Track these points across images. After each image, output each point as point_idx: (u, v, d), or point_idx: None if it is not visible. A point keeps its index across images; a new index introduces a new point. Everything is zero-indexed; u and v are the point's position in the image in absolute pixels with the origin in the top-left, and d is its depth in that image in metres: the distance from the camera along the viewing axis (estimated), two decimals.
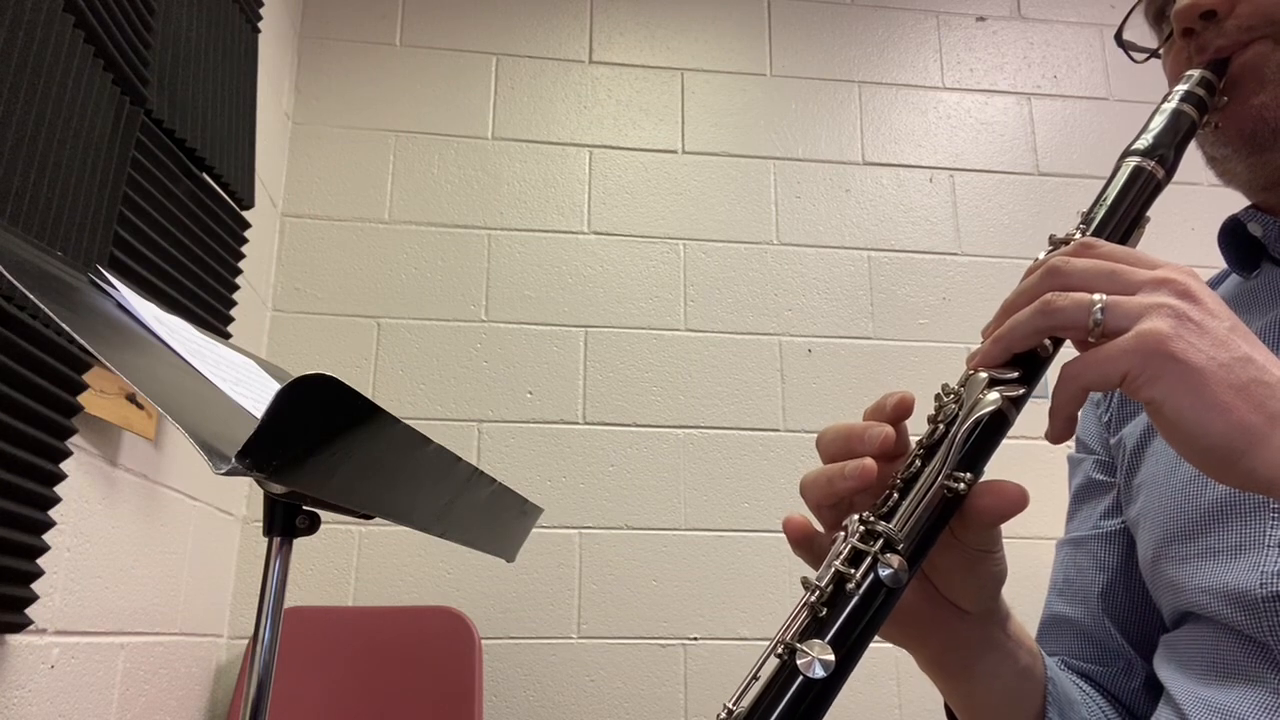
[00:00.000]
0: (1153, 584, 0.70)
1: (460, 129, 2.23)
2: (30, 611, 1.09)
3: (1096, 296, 0.46)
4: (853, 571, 0.46)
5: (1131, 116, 2.38)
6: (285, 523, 0.84)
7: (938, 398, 0.51)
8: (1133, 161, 0.58)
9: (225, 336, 1.54)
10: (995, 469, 0.47)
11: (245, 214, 1.66)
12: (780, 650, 0.44)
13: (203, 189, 1.50)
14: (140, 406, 1.40)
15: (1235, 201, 0.73)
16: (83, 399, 1.15)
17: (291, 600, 1.58)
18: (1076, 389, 0.46)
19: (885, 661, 1.99)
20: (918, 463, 0.49)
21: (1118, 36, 0.75)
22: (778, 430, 2.13)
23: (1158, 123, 0.60)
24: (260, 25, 1.76)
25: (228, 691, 1.78)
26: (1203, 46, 0.65)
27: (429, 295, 2.11)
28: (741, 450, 2.11)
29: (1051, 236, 0.55)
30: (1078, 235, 0.55)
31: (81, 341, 0.67)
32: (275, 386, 0.96)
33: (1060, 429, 0.47)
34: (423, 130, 2.22)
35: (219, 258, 1.56)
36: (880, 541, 0.46)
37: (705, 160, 2.29)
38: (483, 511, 0.97)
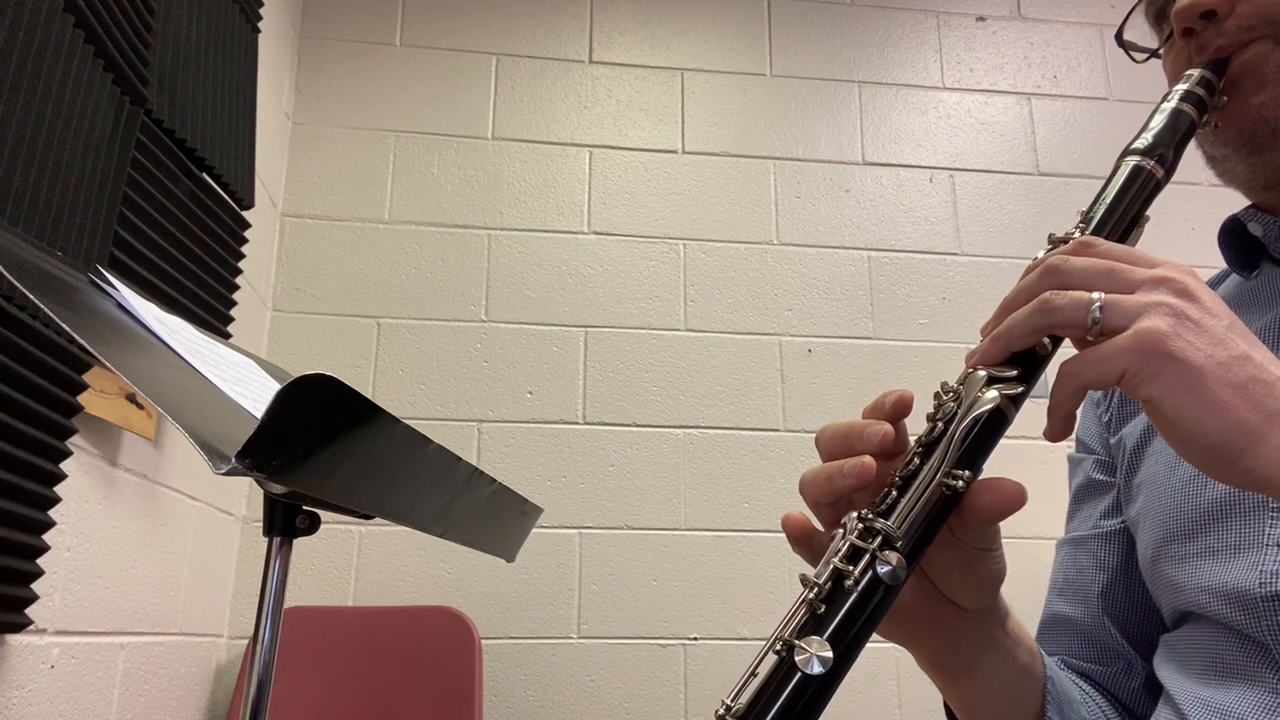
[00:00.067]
0: (1152, 583, 0.70)
1: (460, 129, 2.23)
2: (30, 611, 1.10)
3: (1095, 295, 0.46)
4: (851, 569, 0.46)
5: (1131, 116, 2.39)
6: (285, 523, 0.84)
7: (937, 396, 0.51)
8: (1132, 160, 0.58)
9: (225, 336, 1.54)
10: (994, 468, 0.47)
11: (245, 214, 1.66)
12: (778, 647, 0.45)
13: (203, 189, 1.50)
14: (140, 406, 1.40)
15: (1235, 201, 0.73)
16: (83, 399, 1.15)
17: (291, 600, 1.58)
18: (1075, 387, 0.46)
19: (885, 661, 1.99)
20: (916, 460, 0.49)
21: (1118, 36, 0.75)
22: (778, 430, 2.13)
23: (1157, 122, 0.60)
24: (260, 25, 1.76)
25: (228, 691, 1.78)
26: (1203, 46, 0.65)
27: (429, 295, 2.11)
28: (741, 450, 2.11)
29: (1051, 235, 0.55)
30: (1077, 234, 0.55)
31: (81, 341, 0.67)
32: (275, 386, 0.96)
33: (1059, 427, 0.47)
34: (423, 130, 2.22)
35: (219, 258, 1.56)
36: (879, 539, 0.46)
37: (705, 160, 2.29)
38: (483, 511, 0.97)
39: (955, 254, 2.31)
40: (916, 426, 0.51)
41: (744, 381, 2.15)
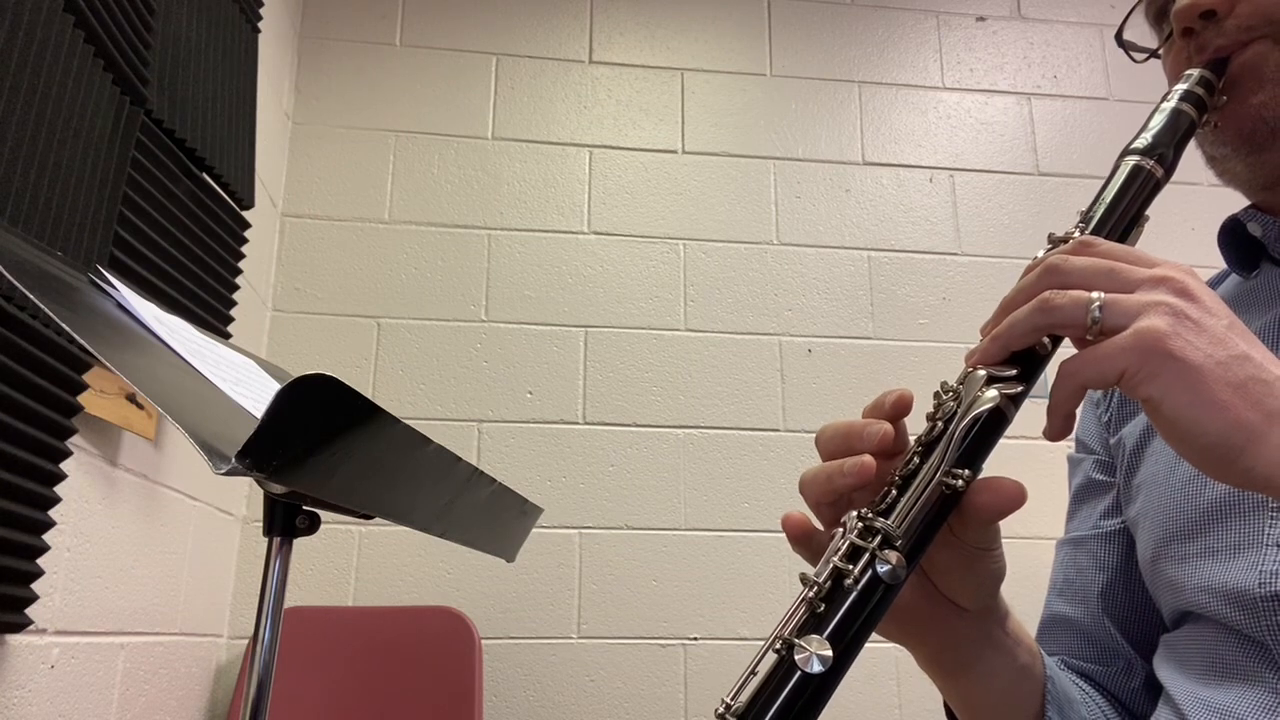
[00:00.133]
0: (1152, 584, 0.70)
1: (460, 129, 2.23)
2: (30, 611, 1.10)
3: (1095, 294, 0.46)
4: (851, 568, 0.46)
5: (1131, 116, 2.38)
6: (285, 523, 0.84)
7: (936, 395, 0.51)
8: (1132, 160, 0.58)
9: (225, 336, 1.54)
10: (994, 468, 0.47)
11: (245, 214, 1.66)
12: (778, 646, 0.45)
13: (203, 189, 1.50)
14: (140, 406, 1.40)
15: (1235, 201, 0.73)
16: (83, 399, 1.15)
17: (291, 600, 1.58)
18: (1075, 387, 0.46)
19: (885, 661, 1.99)
20: (916, 460, 0.49)
21: (1118, 36, 0.75)
22: (778, 430, 2.13)
23: (1157, 122, 0.60)
24: (260, 25, 1.76)
25: (228, 691, 1.78)
26: (1202, 46, 0.65)
27: (429, 295, 2.11)
28: (741, 450, 2.11)
29: (1051, 235, 0.55)
30: (1077, 233, 0.55)
31: (81, 341, 0.67)
32: (275, 386, 0.96)
33: (1059, 427, 0.47)
34: (423, 130, 2.22)
35: (219, 258, 1.56)
36: (878, 538, 0.46)
37: (705, 160, 2.29)
38: (483, 511, 0.97)
39: (955, 254, 2.31)
40: (916, 426, 0.51)
41: (744, 381, 2.15)
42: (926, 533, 0.47)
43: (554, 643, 1.95)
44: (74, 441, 1.15)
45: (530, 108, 2.27)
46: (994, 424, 0.48)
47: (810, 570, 0.48)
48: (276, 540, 0.85)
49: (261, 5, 1.77)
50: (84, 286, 0.81)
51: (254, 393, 0.88)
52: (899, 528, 0.47)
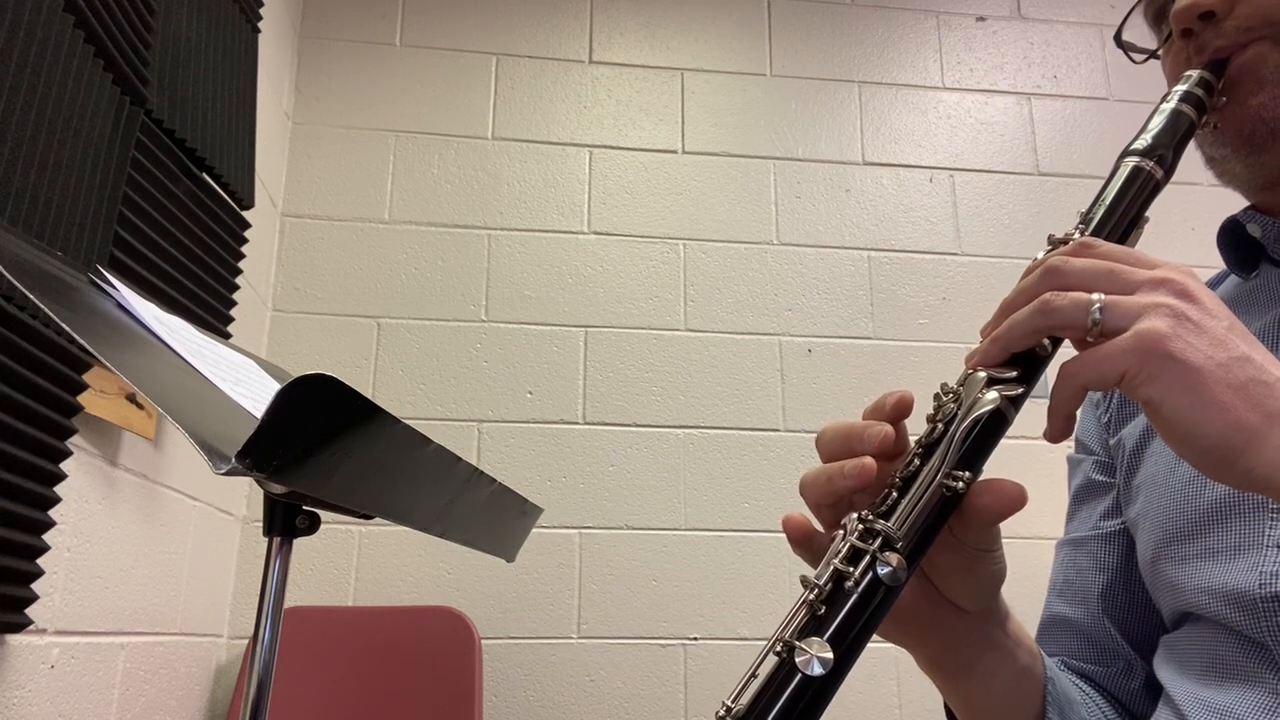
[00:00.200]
0: (1152, 584, 0.70)
1: (460, 129, 2.23)
2: (30, 611, 1.10)
3: (1095, 296, 0.46)
4: (851, 570, 0.46)
5: (1131, 116, 2.38)
6: (285, 523, 0.84)
7: (936, 397, 0.51)
8: (1131, 161, 0.58)
9: (225, 336, 1.54)
10: (994, 468, 0.47)
11: (245, 214, 1.66)
12: (779, 648, 0.45)
13: (203, 189, 1.50)
14: (140, 406, 1.40)
15: (1235, 201, 0.73)
16: (83, 399, 1.15)
17: (291, 600, 1.58)
18: (1075, 388, 0.46)
19: (885, 661, 1.99)
20: (917, 461, 0.49)
21: (1117, 37, 0.75)
22: (778, 430, 2.13)
23: (1156, 123, 0.60)
24: (260, 25, 1.76)
25: (228, 691, 1.78)
26: (1201, 47, 0.65)
27: (429, 295, 2.11)
28: (741, 450, 2.11)
29: (1050, 236, 0.55)
30: (1077, 235, 0.55)
31: (81, 341, 0.67)
32: (275, 386, 0.96)
33: (1059, 428, 0.47)
34: (423, 130, 2.22)
35: (219, 258, 1.56)
36: (879, 540, 0.46)
37: (705, 160, 2.29)
38: (483, 511, 0.97)
39: (955, 254, 2.31)
40: (916, 427, 0.51)
41: (744, 381, 2.15)
42: (927, 535, 0.47)
43: (554, 643, 1.95)
44: (74, 441, 1.15)
45: (530, 108, 2.27)
46: (994, 426, 0.48)
47: (811, 572, 0.48)
48: (276, 540, 0.85)
49: (261, 5, 1.77)
50: (84, 286, 0.81)
51: (254, 393, 0.88)
52: (900, 530, 0.47)
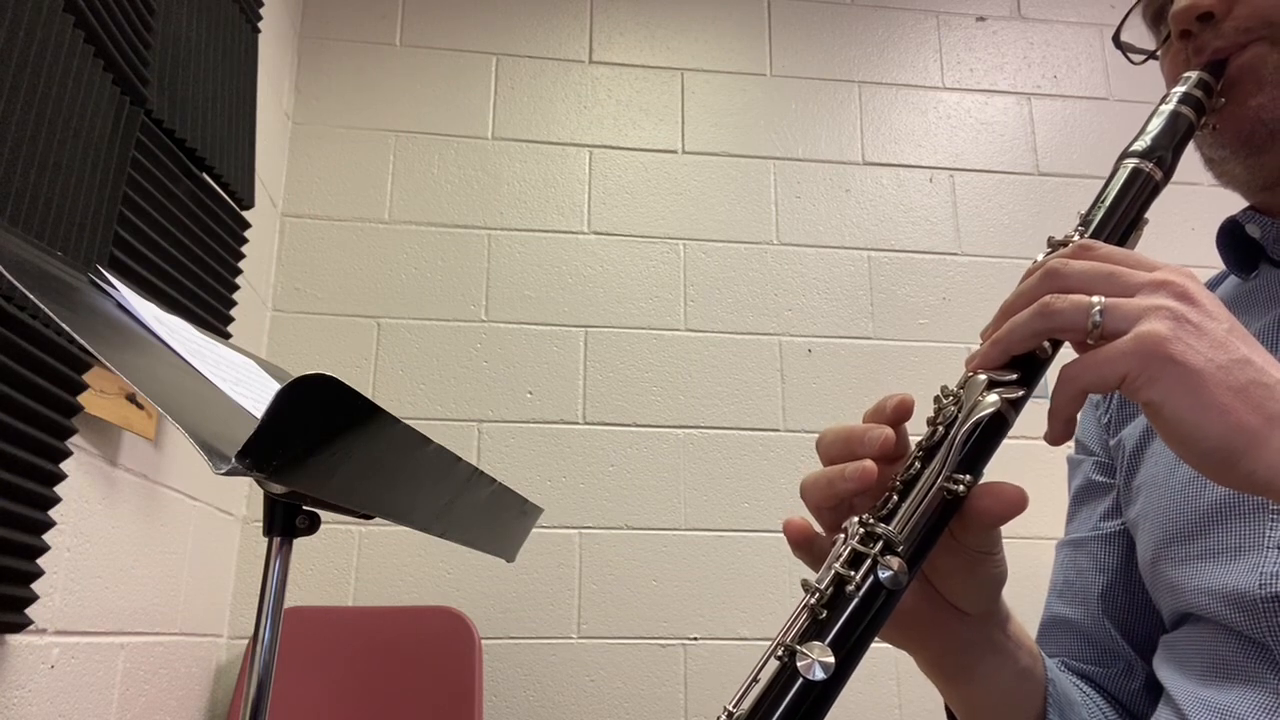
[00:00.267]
0: (1152, 585, 0.70)
1: (460, 129, 2.23)
2: (30, 611, 1.10)
3: (1095, 299, 0.46)
4: (852, 574, 0.46)
5: (1131, 116, 2.38)
6: (285, 523, 0.84)
7: (937, 400, 0.51)
8: (1131, 163, 0.58)
9: (225, 336, 1.54)
10: (995, 469, 0.47)
11: (245, 214, 1.66)
12: (780, 653, 0.44)
13: (203, 189, 1.50)
14: (140, 406, 1.40)
15: (1235, 202, 0.73)
16: (83, 399, 1.15)
17: (291, 600, 1.58)
18: (1076, 391, 0.46)
19: (885, 662, 1.99)
20: (917, 465, 0.49)
21: (1116, 38, 0.75)
22: (778, 430, 2.13)
23: (1155, 124, 0.60)
24: (260, 25, 1.76)
25: (228, 691, 1.78)
26: (1200, 48, 0.65)
27: (429, 295, 2.11)
28: (741, 450, 2.11)
29: (1050, 239, 0.55)
30: (1076, 237, 0.55)
31: (81, 341, 0.67)
32: (275, 386, 0.96)
33: (1059, 431, 0.48)
34: (423, 130, 2.22)
35: (219, 258, 1.56)
36: (880, 544, 0.46)
37: (705, 160, 2.29)
38: (483, 511, 0.97)
39: (955, 254, 2.31)
40: (917, 429, 0.51)
41: (744, 381, 2.15)
42: (928, 538, 0.47)
43: (554, 643, 1.95)
44: (74, 441, 1.15)
45: (530, 108, 2.27)
46: (995, 429, 0.48)
47: (812, 576, 0.48)
48: (276, 540, 0.85)
49: (261, 5, 1.77)
50: (84, 286, 0.81)
51: (254, 393, 0.88)
52: (901, 533, 0.47)
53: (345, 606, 1.91)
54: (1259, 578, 0.58)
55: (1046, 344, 0.48)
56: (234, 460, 0.59)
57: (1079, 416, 0.50)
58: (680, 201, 2.25)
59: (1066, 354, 0.48)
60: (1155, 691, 0.69)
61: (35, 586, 1.10)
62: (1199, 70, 0.63)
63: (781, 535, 0.54)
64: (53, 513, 1.12)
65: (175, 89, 1.40)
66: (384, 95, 2.22)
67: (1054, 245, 0.54)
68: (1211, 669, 0.62)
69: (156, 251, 1.34)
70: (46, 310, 0.66)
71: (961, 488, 0.47)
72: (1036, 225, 2.35)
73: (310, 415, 0.64)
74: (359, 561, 1.94)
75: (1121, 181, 0.57)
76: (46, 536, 1.11)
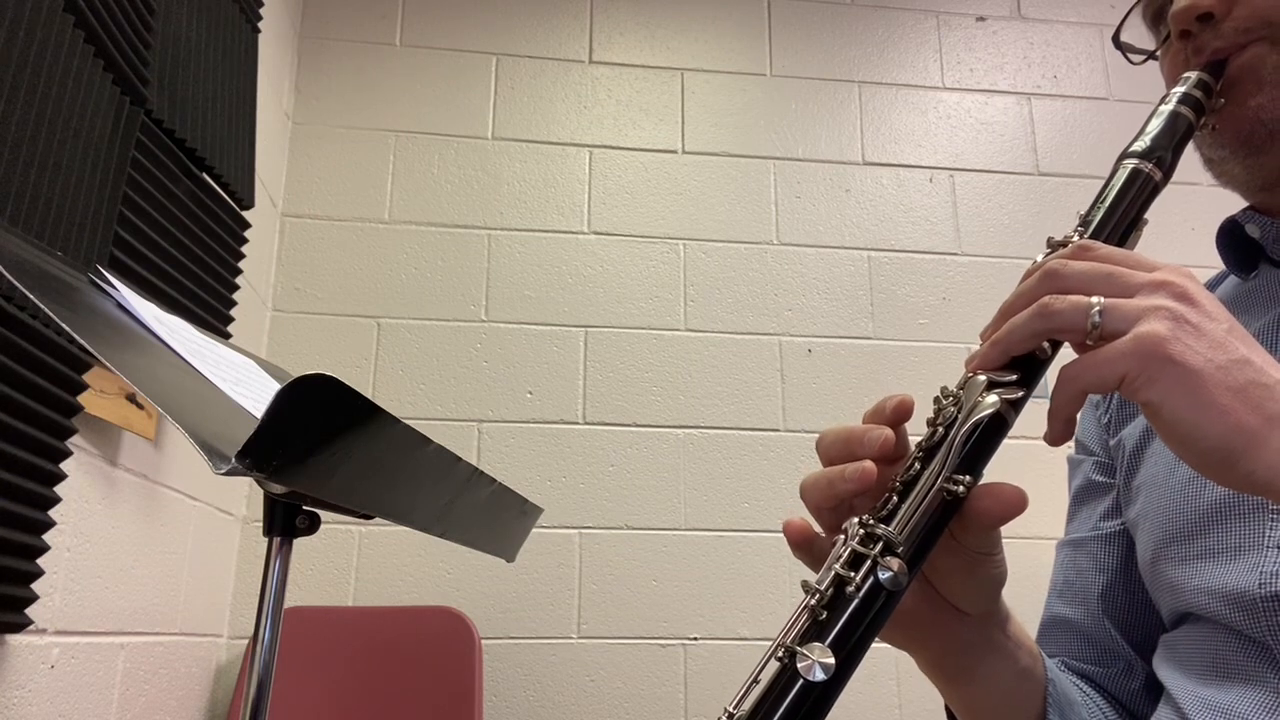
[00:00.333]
0: (1152, 585, 0.70)
1: (460, 129, 2.23)
2: (30, 611, 1.10)
3: (1094, 299, 0.46)
4: (853, 574, 0.46)
5: (1131, 116, 2.38)
6: (285, 523, 0.84)
7: (936, 400, 0.51)
8: (1130, 164, 0.58)
9: (225, 336, 1.54)
10: (995, 469, 0.47)
11: (245, 214, 1.66)
12: (780, 654, 0.44)
13: (203, 189, 1.50)
14: (140, 406, 1.40)
15: (1235, 202, 0.73)
16: (83, 399, 1.15)
17: (291, 600, 1.58)
18: (1075, 392, 0.46)
19: (885, 662, 1.99)
20: (917, 465, 0.49)
21: (1115, 38, 0.75)
22: (778, 430, 2.13)
23: (1155, 125, 0.60)
24: (260, 25, 1.76)
25: (228, 691, 1.78)
26: (1200, 48, 0.65)
27: (429, 295, 2.11)
28: (741, 450, 2.11)
29: (1049, 239, 0.55)
30: (1076, 238, 0.55)
31: (81, 341, 0.67)
32: (275, 386, 0.96)
33: (1059, 431, 0.48)
34: (423, 130, 2.22)
35: (219, 258, 1.56)
36: (880, 544, 0.46)
37: (705, 160, 2.29)
38: (483, 511, 0.97)
39: (955, 254, 2.31)
40: (917, 430, 0.51)
41: (744, 381, 2.15)
42: (928, 539, 0.47)
43: (554, 643, 1.95)
44: (74, 441, 1.15)
45: (530, 108, 2.27)
46: (994, 429, 0.48)
47: (812, 577, 0.48)
48: (276, 540, 0.85)
49: (261, 5, 1.77)
50: (84, 286, 0.81)
51: (254, 393, 0.88)
52: (900, 534, 0.47)
53: (345, 606, 1.91)
54: (1259, 577, 0.58)
55: (1046, 344, 0.48)
56: (234, 460, 0.60)
57: (1079, 417, 0.50)
58: (680, 201, 2.25)
59: (1066, 354, 0.48)
60: (1155, 691, 0.69)
61: (35, 586, 1.10)
62: (1198, 70, 0.63)
63: (781, 535, 0.54)
64: (53, 513, 1.12)
65: (175, 89, 1.40)
66: (384, 95, 2.22)
67: (1053, 246, 0.54)
68: (1212, 668, 0.62)
69: (156, 251, 1.34)
70: (46, 310, 0.66)
71: (961, 488, 0.47)
72: (1036, 225, 2.35)
73: (310, 415, 0.64)
74: (359, 561, 1.94)
75: (1121, 182, 0.57)
76: (46, 536, 1.11)
